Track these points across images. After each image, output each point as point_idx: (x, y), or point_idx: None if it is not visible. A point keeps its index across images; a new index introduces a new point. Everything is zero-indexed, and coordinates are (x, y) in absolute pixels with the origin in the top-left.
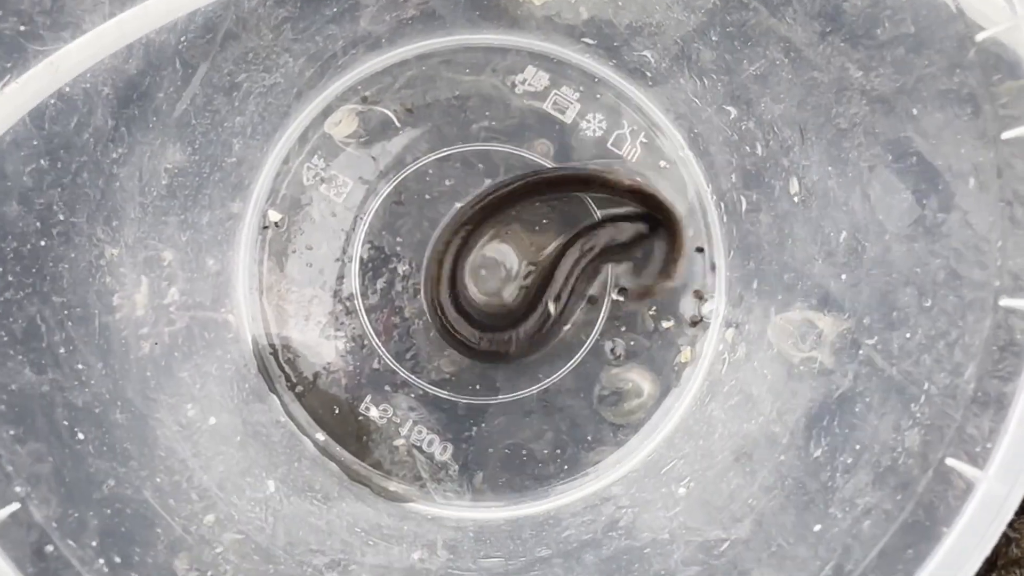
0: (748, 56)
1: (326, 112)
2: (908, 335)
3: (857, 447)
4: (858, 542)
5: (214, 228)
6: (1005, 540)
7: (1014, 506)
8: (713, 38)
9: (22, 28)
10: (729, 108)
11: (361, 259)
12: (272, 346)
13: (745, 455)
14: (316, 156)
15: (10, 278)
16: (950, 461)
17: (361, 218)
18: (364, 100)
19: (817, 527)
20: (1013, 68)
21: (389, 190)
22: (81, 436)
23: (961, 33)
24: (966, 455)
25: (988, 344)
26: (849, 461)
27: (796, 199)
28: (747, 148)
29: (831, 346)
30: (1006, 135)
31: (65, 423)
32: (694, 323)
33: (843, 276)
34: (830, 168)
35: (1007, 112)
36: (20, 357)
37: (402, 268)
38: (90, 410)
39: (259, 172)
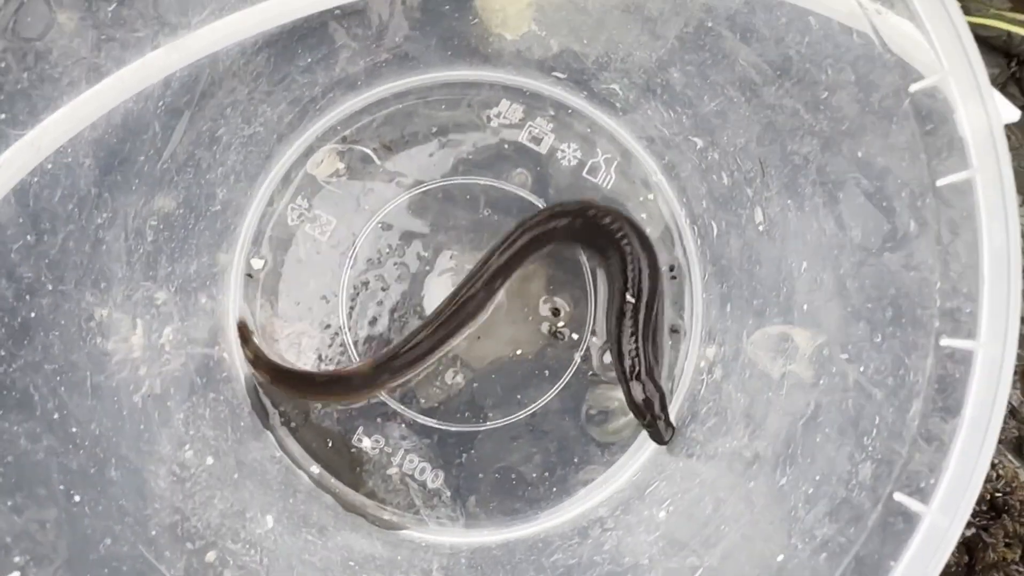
0: (708, 92)
1: (307, 153)
2: (861, 369)
3: (817, 477)
4: (816, 575)
5: (202, 275)
6: (983, 545)
7: (955, 537)
8: (675, 74)
9: (2, 116)
10: (695, 139)
11: (348, 294)
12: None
13: (719, 479)
14: (300, 196)
15: (2, 352)
16: (898, 496)
17: (346, 255)
18: (344, 140)
19: (780, 557)
20: (944, 118)
21: (372, 226)
22: (77, 498)
23: (896, 84)
24: (912, 489)
25: (930, 382)
26: (810, 491)
27: (761, 228)
28: (714, 177)
29: (808, 360)
30: (940, 182)
31: (61, 487)
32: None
33: (805, 307)
34: (789, 201)
35: (943, 159)
36: (15, 428)
37: (388, 301)
38: (85, 472)
39: (244, 216)
